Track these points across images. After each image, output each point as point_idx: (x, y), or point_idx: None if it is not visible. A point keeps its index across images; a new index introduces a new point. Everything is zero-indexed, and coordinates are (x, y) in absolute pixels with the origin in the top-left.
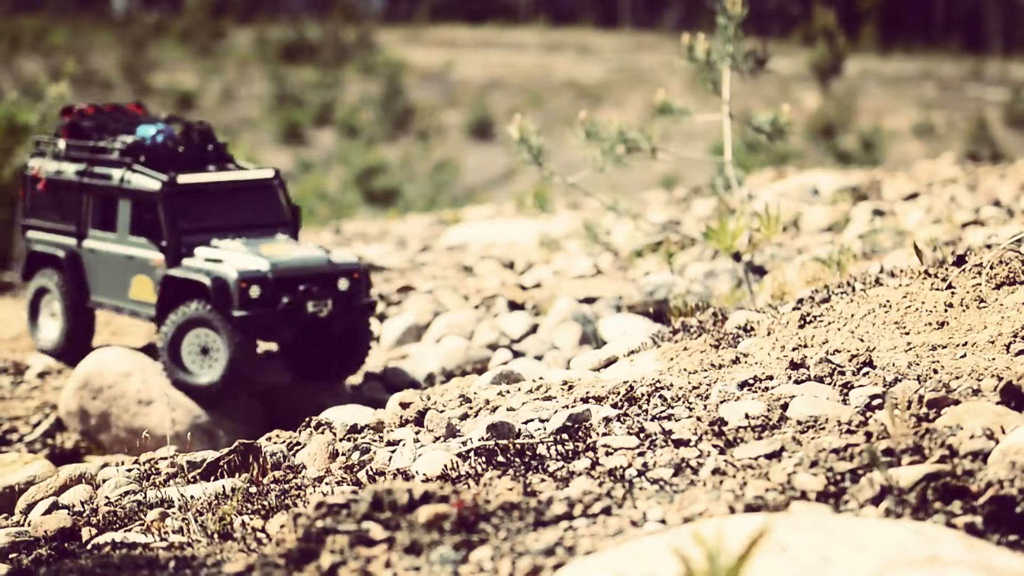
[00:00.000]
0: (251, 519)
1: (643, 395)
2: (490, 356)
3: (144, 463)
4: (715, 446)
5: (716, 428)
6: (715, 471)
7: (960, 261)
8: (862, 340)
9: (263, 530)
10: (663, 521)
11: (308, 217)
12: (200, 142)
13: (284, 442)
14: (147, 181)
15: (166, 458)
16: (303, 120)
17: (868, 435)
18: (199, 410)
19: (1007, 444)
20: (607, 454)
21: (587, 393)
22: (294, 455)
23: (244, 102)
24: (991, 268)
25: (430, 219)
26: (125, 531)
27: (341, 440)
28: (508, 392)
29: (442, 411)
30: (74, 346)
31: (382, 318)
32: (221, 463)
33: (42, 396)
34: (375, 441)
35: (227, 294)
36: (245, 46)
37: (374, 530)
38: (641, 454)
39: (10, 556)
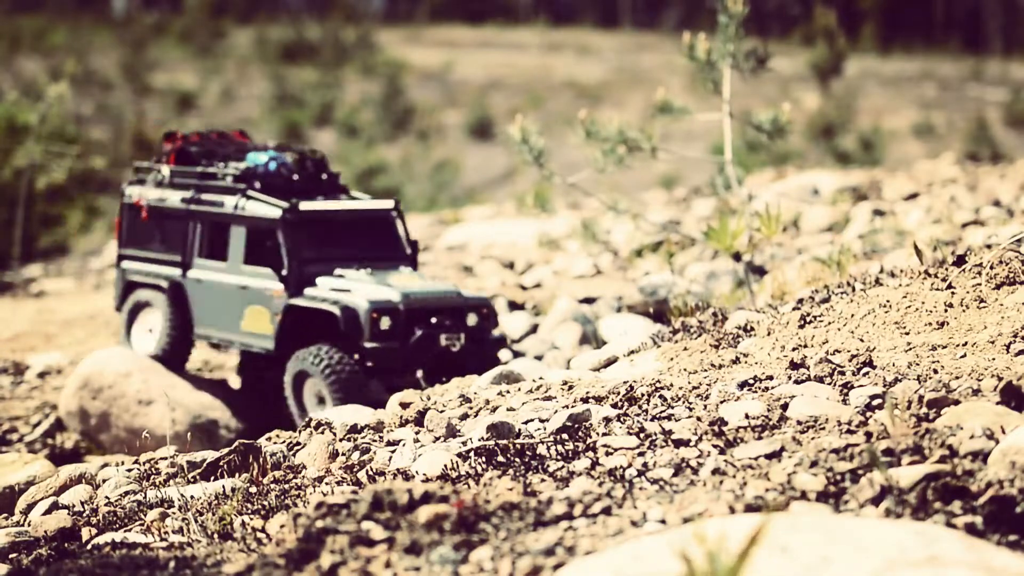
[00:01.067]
0: (251, 519)
1: (643, 395)
2: None
3: (144, 463)
4: (715, 446)
5: (716, 428)
6: (715, 471)
7: (960, 261)
8: (862, 340)
9: (263, 530)
10: (663, 521)
11: None
12: (314, 171)
13: (284, 442)
14: (266, 209)
15: (166, 458)
16: (303, 120)
17: (868, 435)
18: (199, 410)
19: (1007, 444)
20: (607, 454)
21: (587, 393)
22: (294, 455)
23: (244, 102)
24: (991, 268)
25: (430, 219)
26: (125, 531)
27: (341, 440)
28: (508, 392)
29: (442, 411)
30: (170, 365)
31: None
32: (221, 463)
33: (42, 396)
34: (375, 441)
35: (357, 324)
36: (245, 46)
37: (374, 530)
38: (641, 454)
39: (10, 556)
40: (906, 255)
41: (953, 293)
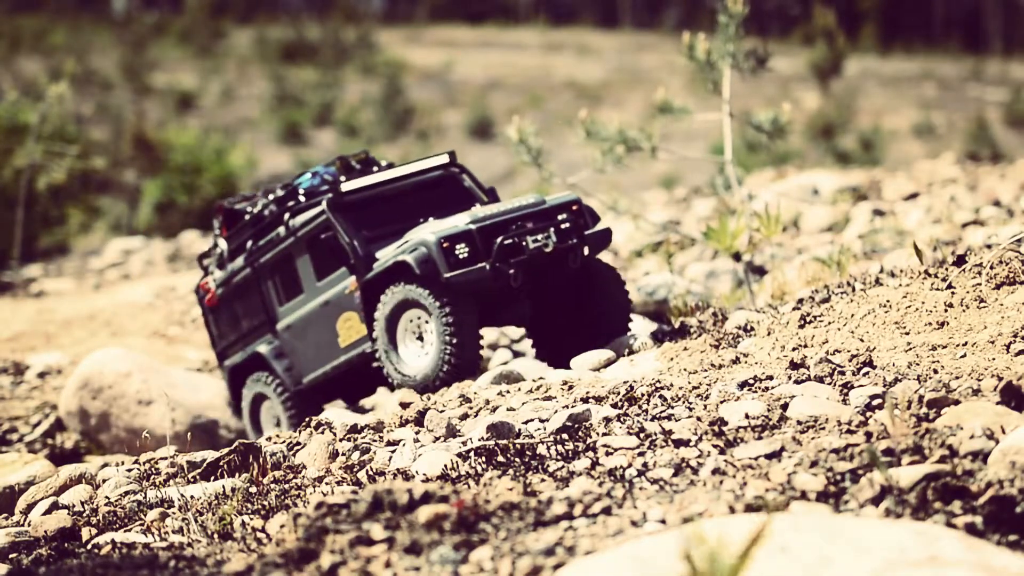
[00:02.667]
0: (251, 519)
1: (643, 395)
2: (490, 356)
3: (144, 463)
4: (715, 446)
5: (716, 428)
6: (715, 471)
7: (960, 261)
8: (862, 340)
9: (263, 530)
10: (663, 521)
11: None
12: (362, 168)
13: (284, 442)
14: (311, 211)
15: (166, 458)
16: (303, 120)
17: (868, 435)
18: (199, 410)
19: (1007, 444)
20: (607, 454)
21: (587, 393)
22: (294, 455)
23: (244, 102)
24: (991, 268)
25: None
26: (125, 531)
27: (341, 440)
28: (508, 392)
29: (442, 411)
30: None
31: None
32: (221, 463)
33: (42, 396)
34: (375, 441)
35: (431, 261)
36: (245, 46)
37: (374, 530)
38: (641, 454)
39: (10, 556)
40: (906, 255)
41: (953, 293)
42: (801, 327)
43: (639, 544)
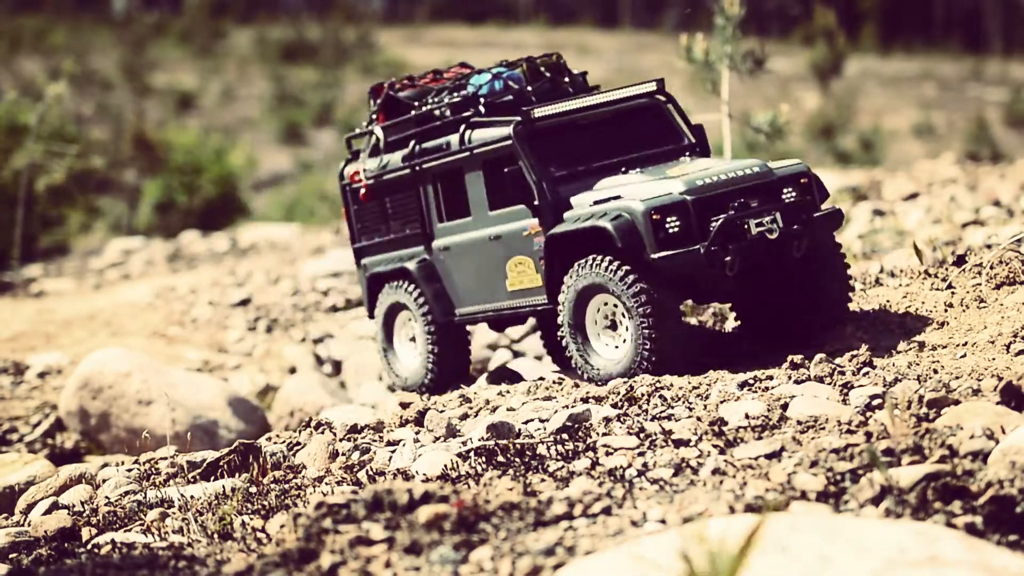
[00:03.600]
0: (251, 519)
1: (643, 395)
2: (490, 356)
3: (144, 463)
4: (715, 446)
5: (716, 428)
6: (715, 471)
7: (960, 261)
8: (862, 340)
9: (263, 530)
10: (663, 521)
11: (308, 217)
12: (552, 78)
13: (284, 442)
14: (494, 131)
15: (166, 458)
16: (303, 120)
17: (868, 435)
18: (199, 410)
19: (1007, 444)
20: (607, 454)
21: (587, 393)
22: (294, 455)
23: (244, 102)
24: (991, 268)
25: None
26: (125, 531)
27: (341, 440)
28: (508, 392)
29: (442, 411)
30: (443, 375)
31: None
32: (221, 463)
33: (42, 396)
34: (375, 441)
35: (635, 235)
36: (245, 46)
37: (374, 530)
38: (641, 454)
39: (10, 556)
40: (906, 255)
41: (953, 293)
42: None
43: (639, 544)
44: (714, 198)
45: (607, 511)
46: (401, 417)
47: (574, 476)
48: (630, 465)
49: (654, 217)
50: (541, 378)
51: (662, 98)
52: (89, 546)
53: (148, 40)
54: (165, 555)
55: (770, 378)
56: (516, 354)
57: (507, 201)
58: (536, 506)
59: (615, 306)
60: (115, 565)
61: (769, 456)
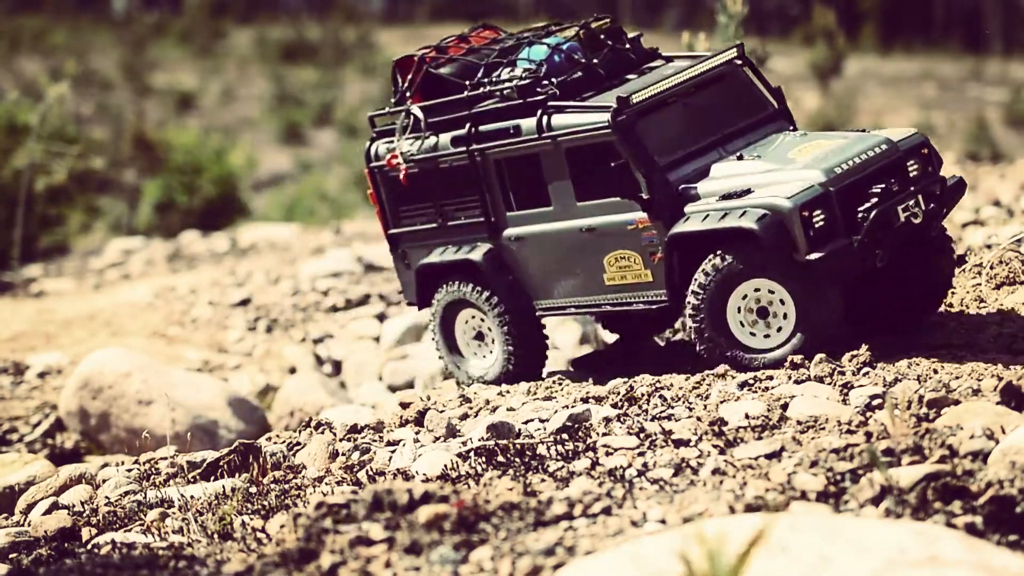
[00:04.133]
0: (251, 519)
1: (643, 395)
2: None
3: (144, 463)
4: (715, 446)
5: (716, 428)
6: (715, 471)
7: (960, 261)
8: (862, 340)
9: (263, 530)
10: (663, 521)
11: (308, 217)
12: (611, 44)
13: (284, 442)
14: (587, 117)
15: (166, 458)
16: (303, 120)
17: (868, 435)
18: (199, 410)
19: (1007, 444)
20: (607, 454)
21: (587, 393)
22: (294, 455)
23: (244, 102)
24: (991, 268)
25: None
26: (125, 531)
27: (341, 440)
28: (508, 392)
29: (442, 411)
30: (524, 369)
31: (382, 318)
32: (221, 463)
33: (42, 396)
34: (375, 441)
35: (785, 234)
36: (245, 46)
37: (374, 530)
38: (641, 454)
39: (10, 556)
40: None
41: (953, 293)
42: None
43: (639, 544)
44: (854, 185)
45: (607, 511)
46: (401, 417)
47: (574, 476)
48: (630, 465)
49: (803, 214)
50: (541, 378)
51: (739, 62)
52: (89, 546)
53: (148, 40)
54: (165, 555)
55: (770, 378)
56: None
57: (600, 192)
58: (536, 506)
59: (772, 298)
60: (115, 565)
61: (769, 456)
